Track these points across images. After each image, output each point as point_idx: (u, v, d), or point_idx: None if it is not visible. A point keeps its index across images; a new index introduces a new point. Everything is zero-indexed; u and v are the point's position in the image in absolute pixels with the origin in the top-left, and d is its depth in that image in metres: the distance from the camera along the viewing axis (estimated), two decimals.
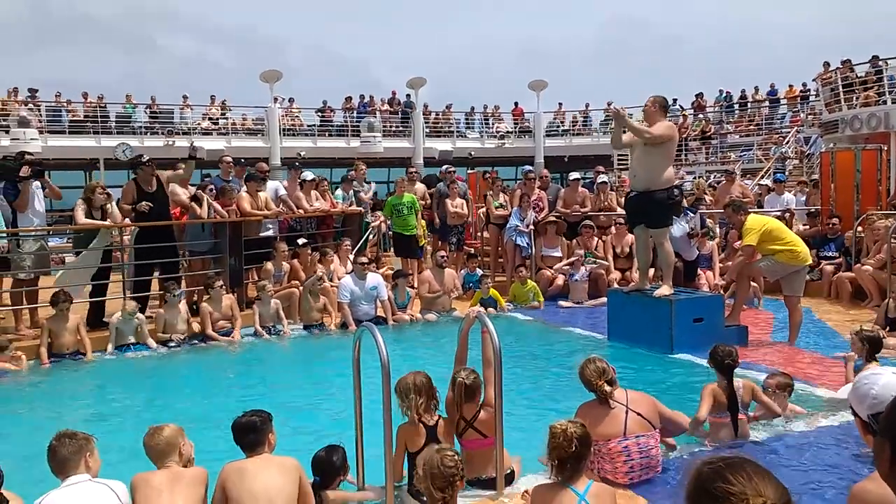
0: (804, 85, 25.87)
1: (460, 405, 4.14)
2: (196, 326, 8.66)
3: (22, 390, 6.83)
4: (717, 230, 11.23)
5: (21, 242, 8.76)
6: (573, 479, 3.21)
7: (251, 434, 3.54)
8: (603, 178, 12.27)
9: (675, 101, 29.89)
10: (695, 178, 18.60)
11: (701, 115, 27.97)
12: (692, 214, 9.86)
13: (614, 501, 3.27)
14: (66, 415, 5.94)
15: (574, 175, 12.38)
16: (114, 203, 9.49)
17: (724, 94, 29.01)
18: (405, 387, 4.04)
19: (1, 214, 8.60)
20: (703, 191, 12.64)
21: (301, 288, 9.52)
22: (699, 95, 28.81)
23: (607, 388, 4.15)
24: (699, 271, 10.15)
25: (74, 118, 25.05)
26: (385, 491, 3.84)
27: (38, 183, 8.93)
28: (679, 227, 9.44)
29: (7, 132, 22.31)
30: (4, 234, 8.45)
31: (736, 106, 28.37)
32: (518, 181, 13.15)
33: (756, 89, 27.79)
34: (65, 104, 25.39)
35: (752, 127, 26.23)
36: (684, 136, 26.01)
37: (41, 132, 23.11)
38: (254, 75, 26.25)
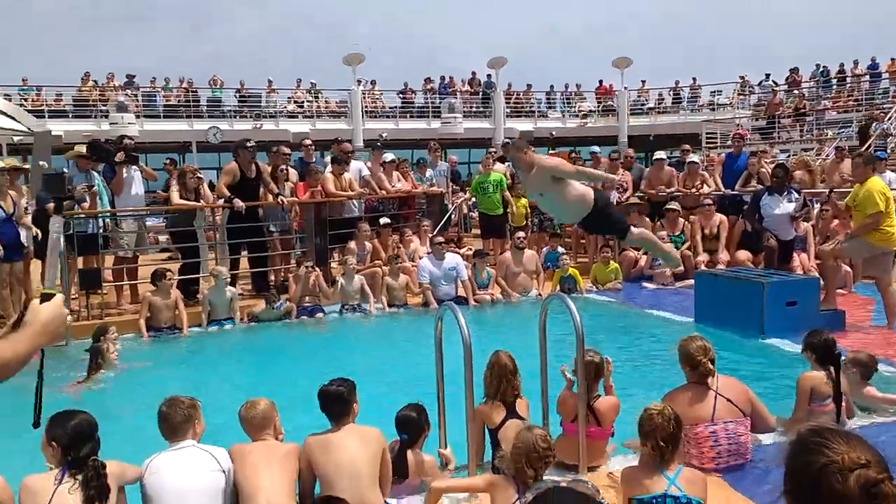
0: None
1: (591, 385, 4.09)
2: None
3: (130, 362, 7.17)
4: (814, 212, 10.73)
5: (120, 222, 9.24)
6: (666, 463, 3.15)
7: (339, 403, 3.59)
8: (693, 157, 11.92)
9: (767, 76, 28.71)
10: (788, 156, 17.80)
11: (796, 91, 26.71)
12: (797, 195, 9.41)
13: (705, 487, 3.17)
14: (168, 385, 6.21)
15: (659, 154, 12.06)
16: (205, 185, 9.87)
17: (821, 69, 27.61)
18: (490, 364, 4.08)
19: (105, 194, 9.10)
20: (808, 167, 12.05)
21: (384, 267, 9.67)
22: (794, 70, 27.50)
23: (710, 365, 4.05)
24: (793, 254, 9.74)
25: (168, 103, 26.06)
26: (468, 470, 3.87)
27: (136, 168, 9.38)
28: (782, 207, 9.08)
29: (106, 117, 23.40)
30: (107, 213, 8.94)
31: (833, 81, 26.96)
32: (590, 161, 12.71)
33: (855, 63, 26.35)
34: (159, 90, 26.44)
35: (850, 102, 24.87)
36: (777, 112, 24.91)
37: (138, 116, 24.11)
38: (326, 55, 26.60)
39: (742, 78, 28.68)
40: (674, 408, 3.36)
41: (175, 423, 3.36)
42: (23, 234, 8.18)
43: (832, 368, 4.42)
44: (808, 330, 4.81)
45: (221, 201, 9.27)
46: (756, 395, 4.31)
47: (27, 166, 9.91)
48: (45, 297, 1.94)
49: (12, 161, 8.86)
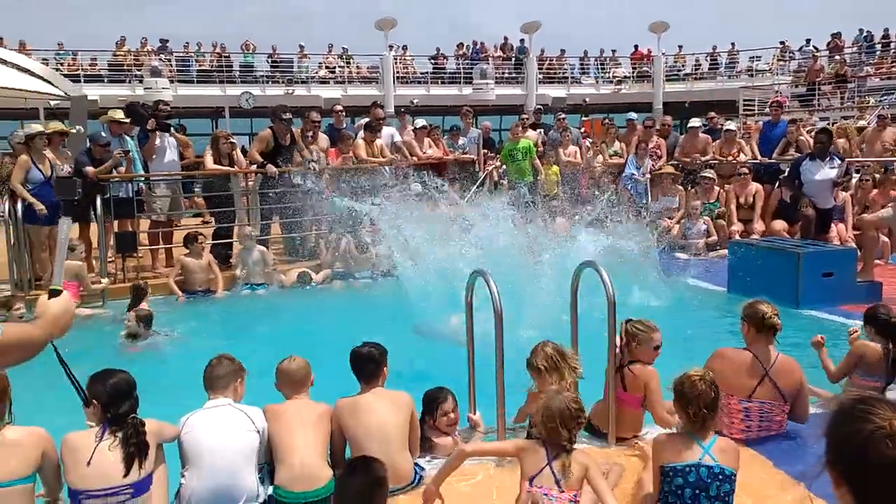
0: None
1: (633, 349, 4.04)
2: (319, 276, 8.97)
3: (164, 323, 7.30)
4: (853, 181, 10.48)
5: (153, 186, 9.35)
6: (702, 431, 3.09)
7: (370, 365, 3.62)
8: (730, 125, 11.67)
9: (808, 41, 27.90)
10: (829, 124, 17.34)
11: (837, 57, 25.94)
12: (839, 161, 9.15)
13: (738, 458, 3.08)
14: (201, 347, 6.32)
15: (694, 122, 11.83)
16: (239, 151, 9.92)
17: (865, 34, 26.75)
18: (545, 356, 3.78)
19: (139, 160, 9.20)
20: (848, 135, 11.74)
21: None
22: (836, 35, 26.68)
23: (777, 319, 3.99)
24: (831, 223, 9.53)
25: (201, 68, 26.13)
26: (496, 434, 3.89)
27: (169, 135, 9.45)
28: (824, 173, 8.84)
29: (141, 81, 23.58)
30: (142, 178, 9.06)
31: (877, 46, 26.11)
32: (624, 128, 12.58)
33: None
34: (192, 55, 26.52)
35: (895, 69, 24.09)
36: (817, 79, 24.24)
37: (172, 81, 24.22)
38: (350, 23, 26.36)
39: (782, 43, 27.93)
40: (716, 370, 3.32)
41: (219, 374, 3.42)
42: None
43: (890, 344, 4.30)
44: (844, 300, 4.72)
45: (254, 167, 9.32)
46: (806, 385, 4.13)
47: (73, 130, 10.03)
48: (53, 294, 1.98)
49: (58, 125, 8.97)
